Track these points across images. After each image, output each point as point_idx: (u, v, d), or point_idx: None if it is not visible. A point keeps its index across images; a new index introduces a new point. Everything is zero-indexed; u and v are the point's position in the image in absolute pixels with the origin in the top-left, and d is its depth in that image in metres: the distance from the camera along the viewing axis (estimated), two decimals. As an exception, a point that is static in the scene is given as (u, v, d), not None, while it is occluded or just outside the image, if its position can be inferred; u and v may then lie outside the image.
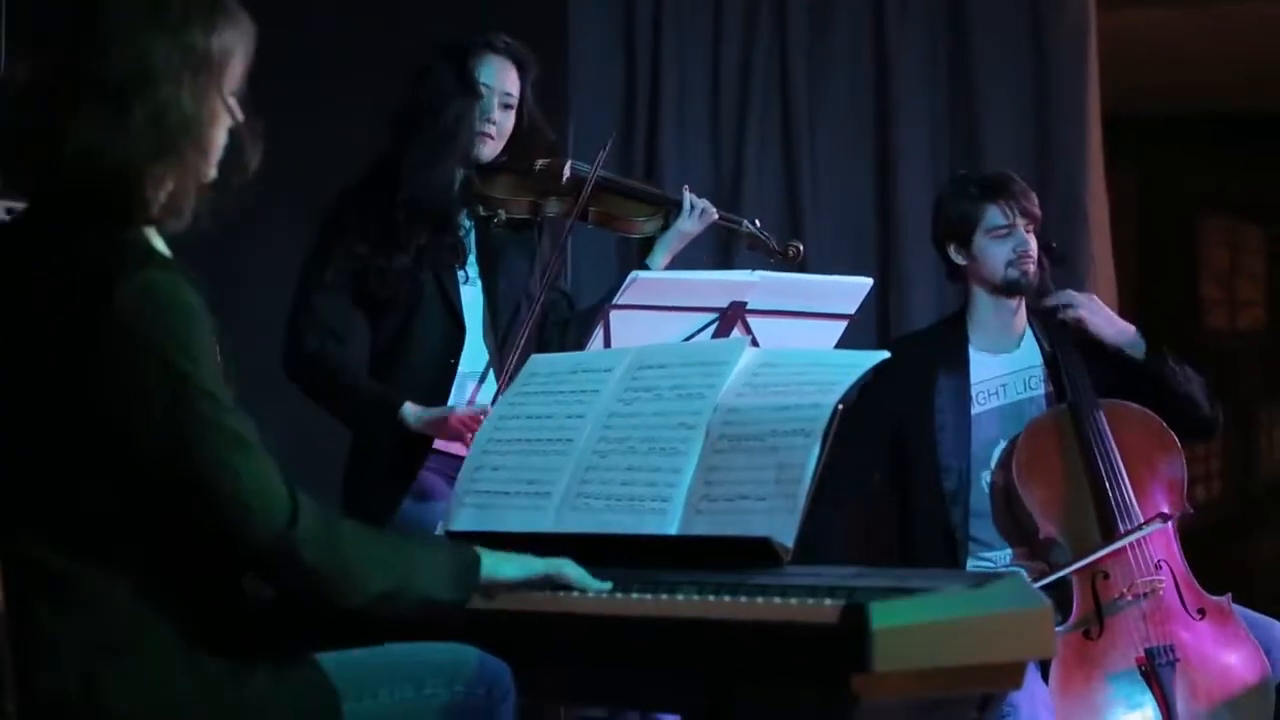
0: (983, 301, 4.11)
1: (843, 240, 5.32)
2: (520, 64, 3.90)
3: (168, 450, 2.17)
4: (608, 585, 2.53)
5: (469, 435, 3.49)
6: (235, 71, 2.28)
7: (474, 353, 3.86)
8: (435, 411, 3.71)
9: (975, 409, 4.06)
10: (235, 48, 2.28)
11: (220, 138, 2.27)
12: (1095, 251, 5.14)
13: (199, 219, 2.26)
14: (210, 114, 2.25)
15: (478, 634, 2.48)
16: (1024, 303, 4.13)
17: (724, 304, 3.68)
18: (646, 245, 4.05)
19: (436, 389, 3.78)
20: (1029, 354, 4.12)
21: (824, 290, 3.85)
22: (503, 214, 3.92)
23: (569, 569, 2.53)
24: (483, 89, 3.83)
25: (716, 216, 4.03)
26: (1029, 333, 4.13)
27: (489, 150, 3.88)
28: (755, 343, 3.51)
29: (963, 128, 5.33)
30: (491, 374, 3.83)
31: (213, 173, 2.27)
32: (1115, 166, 5.37)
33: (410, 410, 3.72)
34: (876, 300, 5.03)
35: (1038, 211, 4.08)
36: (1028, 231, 4.04)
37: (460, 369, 3.82)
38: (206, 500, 2.19)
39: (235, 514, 2.19)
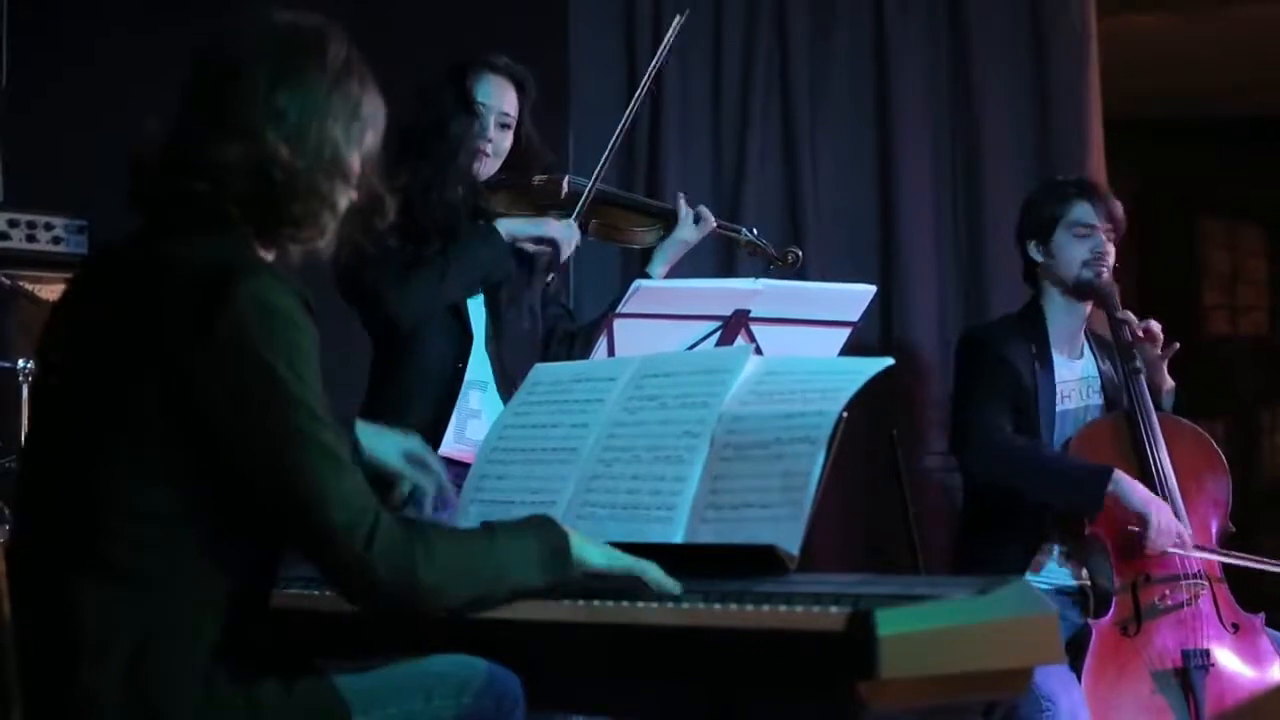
0: (1056, 303, 4.16)
1: (844, 243, 5.32)
2: (520, 85, 3.92)
3: (260, 455, 2.24)
4: (678, 586, 2.52)
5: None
6: (370, 136, 2.44)
7: (479, 360, 3.87)
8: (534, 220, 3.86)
9: (1058, 406, 4.10)
10: (377, 114, 2.46)
11: (355, 179, 2.43)
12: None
13: (337, 250, 2.46)
14: (353, 156, 2.41)
15: (484, 644, 2.49)
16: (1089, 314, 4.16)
17: (728, 312, 3.68)
18: (648, 255, 4.06)
19: (444, 393, 3.79)
20: (1090, 364, 4.17)
21: (827, 298, 3.85)
22: None
23: (651, 571, 2.52)
24: (480, 108, 3.85)
25: (715, 225, 4.06)
26: (1087, 343, 4.18)
27: (485, 168, 3.90)
28: (759, 351, 3.52)
29: (964, 131, 5.33)
30: (493, 383, 3.84)
31: (345, 206, 2.43)
32: (1116, 170, 5.36)
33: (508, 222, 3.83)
34: (879, 302, 5.03)
35: (1123, 221, 4.14)
36: (1109, 239, 4.10)
37: (466, 375, 3.83)
38: (291, 509, 2.26)
39: (316, 526, 2.25)
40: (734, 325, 3.68)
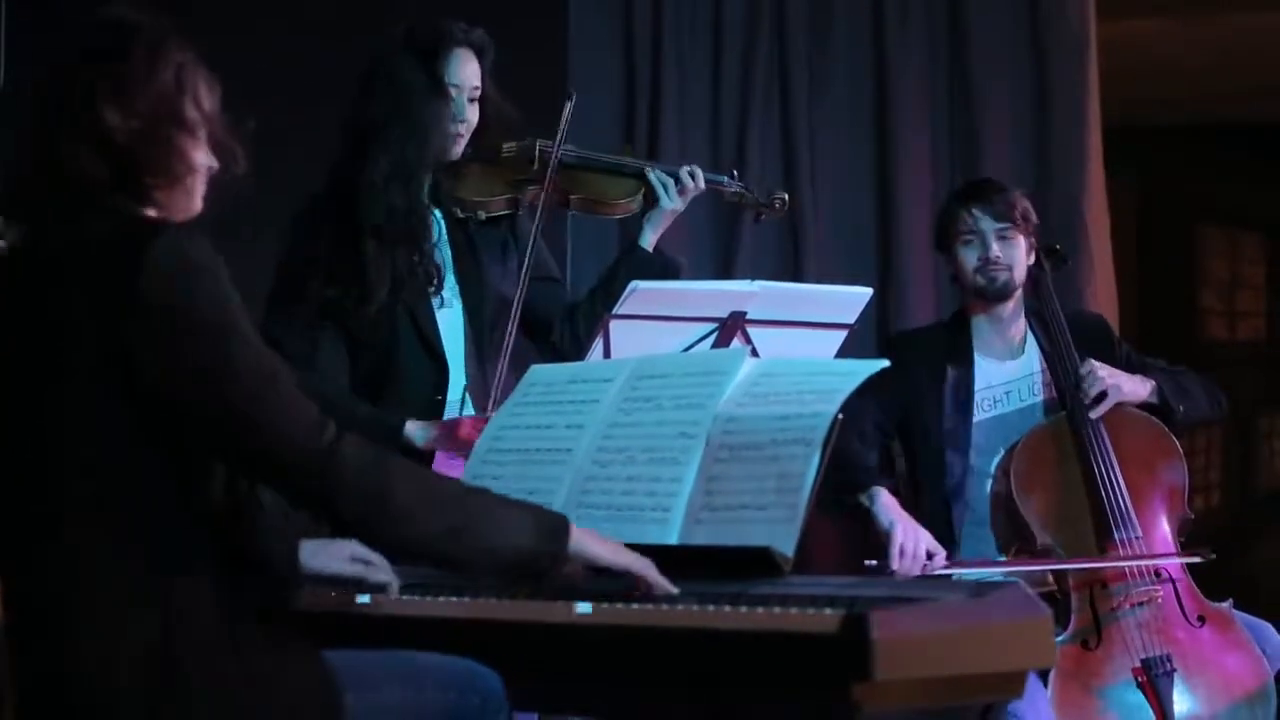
0: (977, 309, 4.12)
1: (842, 245, 5.33)
2: (480, 51, 3.76)
3: (205, 391, 2.29)
4: (675, 591, 2.52)
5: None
6: (205, 93, 2.48)
7: (458, 378, 3.78)
8: (441, 425, 3.63)
9: (979, 415, 4.06)
10: (207, 76, 2.50)
11: (202, 136, 2.46)
12: (1095, 260, 5.15)
13: (206, 205, 2.49)
14: (188, 107, 2.45)
15: (470, 643, 2.48)
16: (1022, 309, 4.13)
17: (724, 314, 3.67)
18: (637, 223, 4.00)
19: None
20: (1032, 360, 4.12)
21: (823, 300, 3.84)
22: (482, 214, 3.84)
23: (651, 572, 2.53)
24: (453, 90, 3.72)
25: (703, 187, 3.95)
26: (1030, 338, 4.13)
27: (459, 149, 3.78)
28: (755, 353, 3.51)
29: (963, 136, 5.33)
30: (468, 395, 3.78)
31: (203, 165, 2.47)
32: (1116, 176, 5.37)
33: (414, 429, 3.61)
34: (876, 308, 5.03)
35: (1016, 215, 4.06)
36: (1004, 237, 4.04)
37: (447, 398, 3.76)
38: (248, 431, 2.31)
39: (277, 436, 2.31)
40: (730, 327, 3.67)
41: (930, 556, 3.80)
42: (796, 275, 5.13)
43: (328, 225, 3.68)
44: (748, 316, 3.67)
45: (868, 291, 3.81)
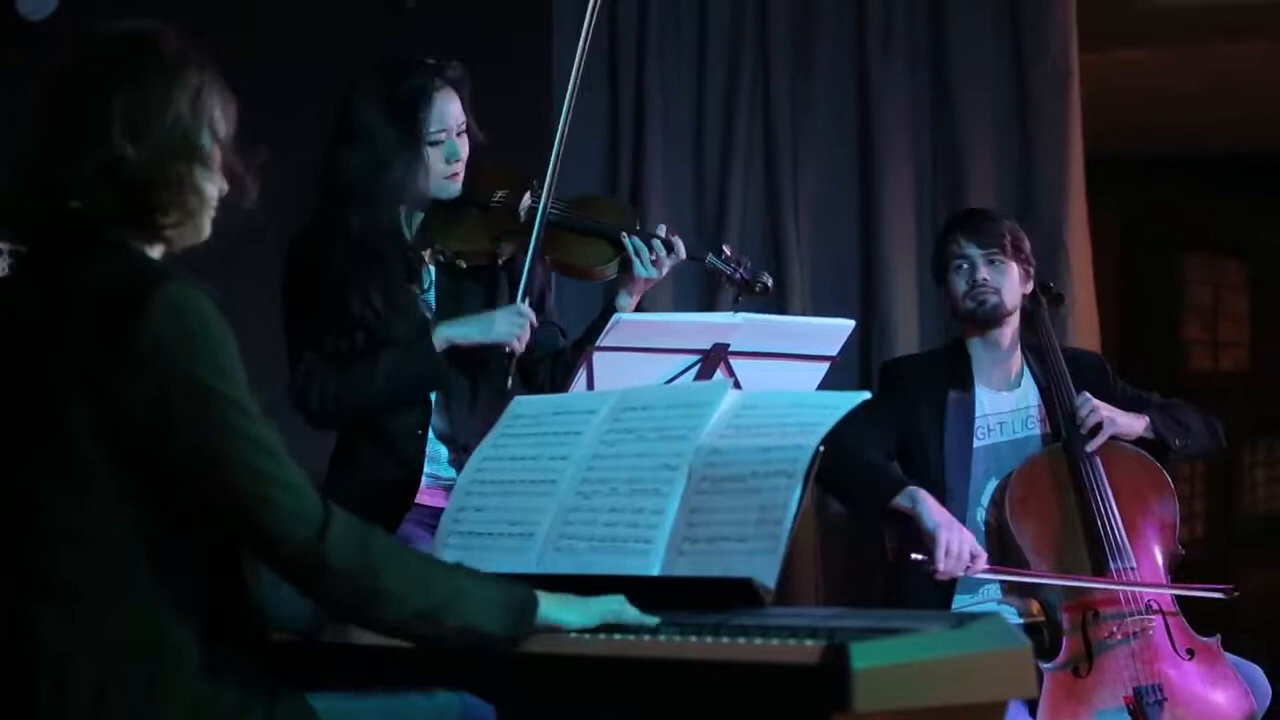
0: (972, 339, 4.15)
1: (826, 279, 5.33)
2: (458, 86, 3.76)
3: (197, 460, 2.24)
4: (656, 620, 2.52)
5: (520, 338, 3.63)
6: (220, 120, 2.41)
7: (439, 418, 3.80)
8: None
9: (976, 442, 4.08)
10: (224, 99, 2.43)
11: (216, 164, 2.40)
12: (1078, 291, 5.16)
13: (213, 235, 2.42)
14: (205, 139, 2.38)
15: (459, 676, 2.49)
16: (1019, 341, 4.15)
17: (706, 346, 3.68)
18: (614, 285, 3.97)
19: (410, 459, 3.73)
20: (1028, 393, 4.15)
21: (806, 332, 3.85)
22: (463, 264, 3.82)
23: (627, 614, 2.53)
24: (441, 135, 3.72)
25: (682, 257, 3.89)
26: (1027, 372, 4.16)
27: (457, 186, 3.78)
28: (738, 385, 3.52)
29: (945, 165, 5.35)
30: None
31: (215, 194, 2.40)
32: (1098, 206, 5.38)
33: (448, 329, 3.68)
34: (858, 341, 5.05)
35: (1005, 242, 4.12)
36: (992, 262, 4.10)
37: (429, 435, 3.77)
38: (237, 505, 2.25)
39: (266, 517, 2.25)
40: (713, 359, 3.68)
41: (973, 559, 3.82)
42: (779, 307, 5.14)
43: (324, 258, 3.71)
44: (730, 348, 3.68)
45: (849, 324, 3.82)
